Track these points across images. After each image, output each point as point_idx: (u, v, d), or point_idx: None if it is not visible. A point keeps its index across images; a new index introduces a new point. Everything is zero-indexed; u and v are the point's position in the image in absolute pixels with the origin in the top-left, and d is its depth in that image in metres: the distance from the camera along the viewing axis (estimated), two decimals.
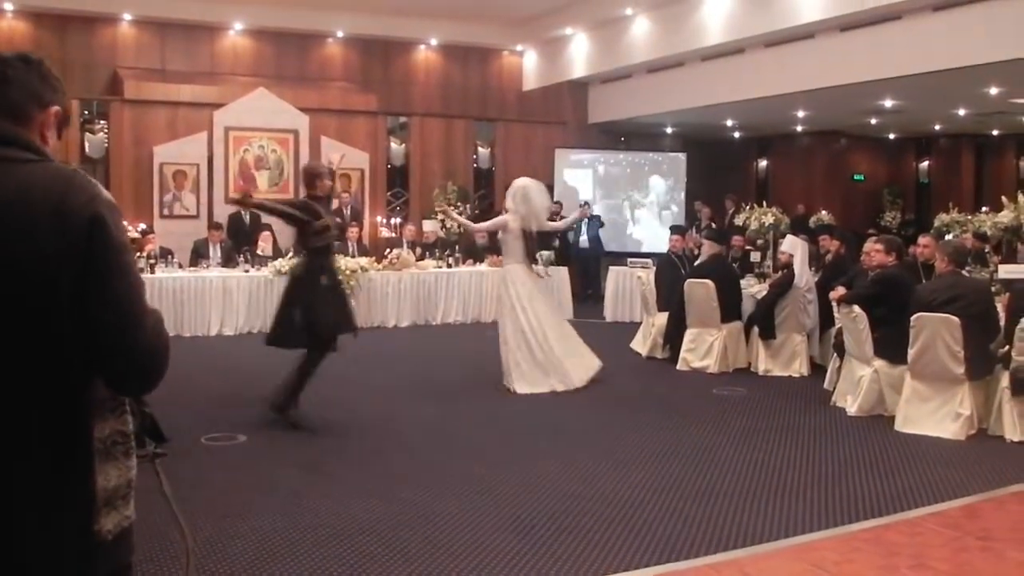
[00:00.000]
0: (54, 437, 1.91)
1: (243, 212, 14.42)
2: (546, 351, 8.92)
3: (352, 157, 15.81)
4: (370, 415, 7.86)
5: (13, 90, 2.02)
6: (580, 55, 17.30)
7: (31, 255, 1.86)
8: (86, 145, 15.05)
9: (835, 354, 8.88)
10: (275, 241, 13.76)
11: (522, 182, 9.38)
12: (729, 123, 19.33)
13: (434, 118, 18.08)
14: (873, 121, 18.67)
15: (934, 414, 7.35)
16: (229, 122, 15.20)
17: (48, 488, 1.91)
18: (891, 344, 7.72)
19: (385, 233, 15.66)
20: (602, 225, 17.63)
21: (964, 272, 8.13)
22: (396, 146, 17.82)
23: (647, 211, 18.96)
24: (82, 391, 1.95)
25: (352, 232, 14.08)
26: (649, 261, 13.56)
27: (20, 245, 1.86)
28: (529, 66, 18.86)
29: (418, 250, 14.35)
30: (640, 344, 11.33)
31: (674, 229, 12.59)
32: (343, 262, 12.60)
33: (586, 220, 17.19)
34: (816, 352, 10.13)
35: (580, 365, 9.16)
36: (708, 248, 10.72)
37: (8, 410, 1.88)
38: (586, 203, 16.15)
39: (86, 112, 15.22)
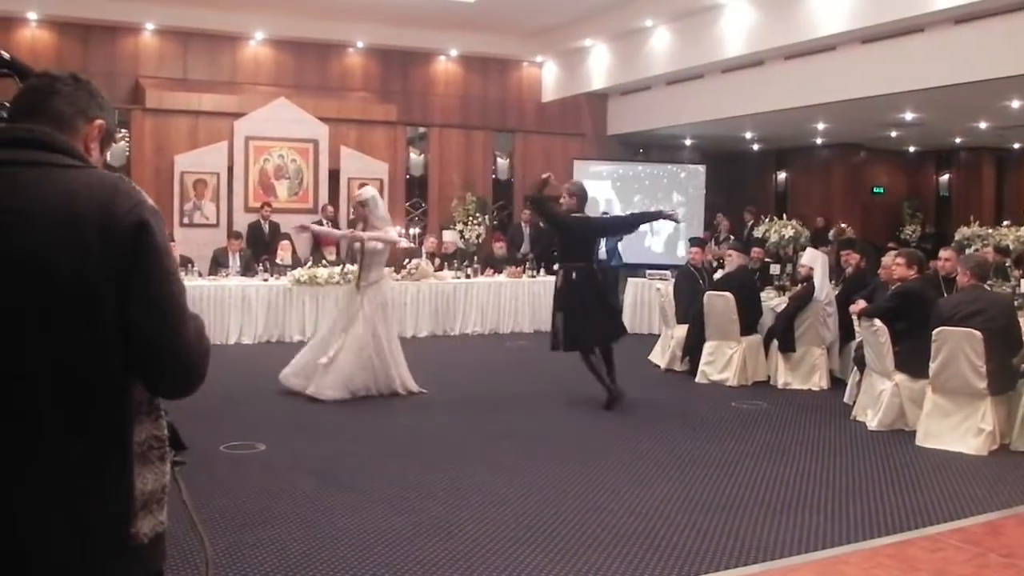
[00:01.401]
0: (96, 440, 1.93)
1: (263, 222, 14.48)
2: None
3: (370, 167, 15.85)
4: (389, 425, 7.85)
5: (61, 102, 2.09)
6: (599, 67, 17.30)
7: (79, 258, 1.89)
8: (107, 154, 15.06)
9: (855, 368, 8.83)
10: (294, 250, 13.80)
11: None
12: (748, 135, 19.31)
13: (453, 129, 18.11)
14: (893, 134, 18.61)
15: (956, 429, 7.29)
16: (249, 131, 15.26)
17: (88, 491, 1.92)
18: (912, 358, 7.67)
19: (404, 243, 15.67)
20: (620, 238, 17.59)
21: (986, 286, 8.08)
22: (415, 156, 17.86)
23: (665, 223, 18.87)
24: (124, 394, 1.97)
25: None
26: (668, 273, 13.53)
27: (69, 248, 1.89)
28: (548, 77, 18.88)
29: (437, 260, 14.36)
30: (659, 356, 11.29)
31: (693, 241, 12.55)
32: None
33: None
34: (836, 366, 10.07)
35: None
36: (736, 259, 10.70)
37: (52, 412, 1.90)
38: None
39: (114, 121, 15.22)
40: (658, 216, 9.31)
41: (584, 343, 8.58)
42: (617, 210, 18.34)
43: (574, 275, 8.58)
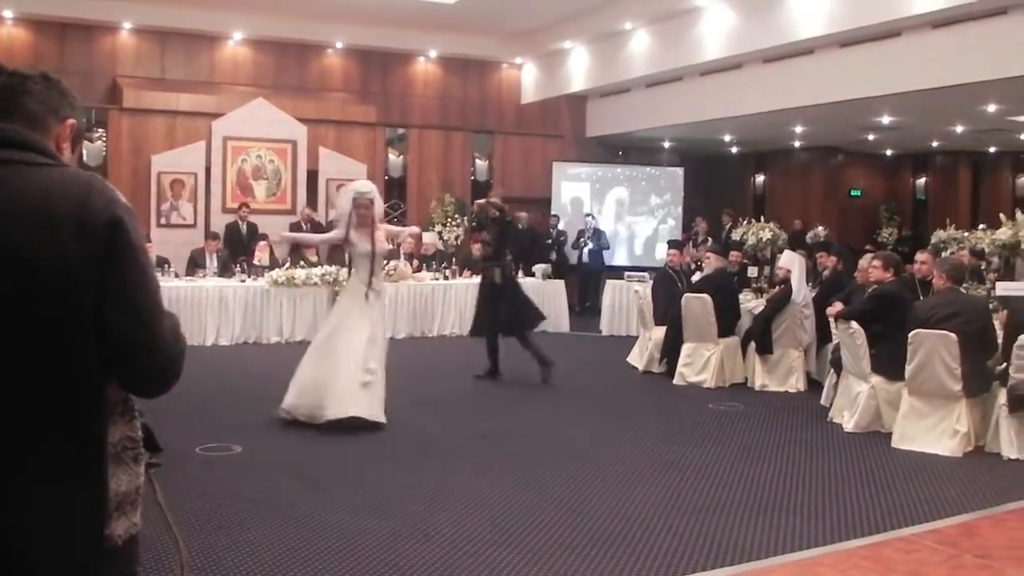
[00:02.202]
0: (71, 440, 1.92)
1: (240, 222, 14.43)
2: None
3: (349, 168, 15.82)
4: (367, 426, 7.80)
5: (33, 101, 2.08)
6: (579, 69, 17.33)
7: (58, 256, 1.88)
8: (84, 153, 14.96)
9: (832, 370, 8.86)
10: (272, 251, 13.76)
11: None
12: (727, 138, 19.37)
13: (432, 130, 18.11)
14: (871, 137, 18.73)
15: (931, 431, 7.34)
16: (227, 132, 15.21)
17: (63, 491, 1.92)
18: (889, 360, 7.72)
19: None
20: (607, 247, 17.65)
21: (962, 289, 8.14)
22: (394, 158, 17.83)
23: (644, 225, 18.98)
24: (99, 393, 1.96)
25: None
26: (646, 275, 13.57)
27: (48, 247, 1.88)
28: (528, 79, 18.89)
29: (415, 262, 14.34)
30: (636, 358, 11.32)
31: (672, 244, 12.61)
32: (340, 273, 12.63)
33: (590, 233, 17.28)
34: (813, 368, 10.12)
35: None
36: (715, 262, 10.73)
37: (29, 412, 1.89)
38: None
39: (84, 120, 15.15)
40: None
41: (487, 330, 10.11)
42: (596, 212, 18.41)
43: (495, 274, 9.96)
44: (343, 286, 8.23)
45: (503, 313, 9.95)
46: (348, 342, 7.70)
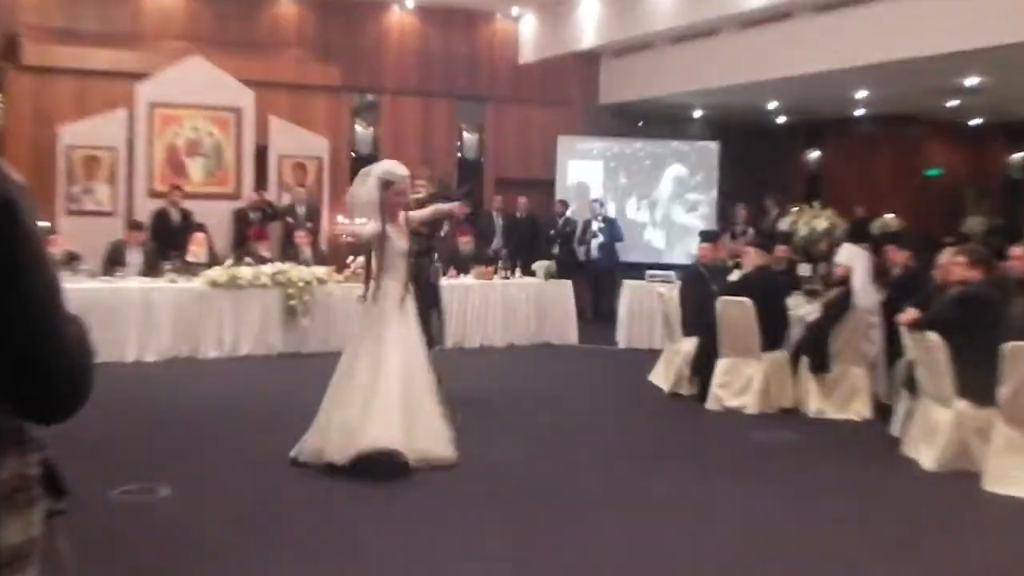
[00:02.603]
0: None
1: (171, 209, 14.37)
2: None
3: (307, 143, 15.77)
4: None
5: None
6: (589, 21, 17.30)
7: None
8: None
9: (905, 392, 8.82)
10: (211, 246, 13.70)
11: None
12: (772, 105, 19.31)
13: (409, 96, 18.11)
14: (953, 103, 18.65)
15: None
16: (155, 97, 15.15)
17: None
18: (977, 380, 7.65)
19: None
20: (621, 239, 17.60)
21: None
22: (362, 129, 17.84)
23: (670, 213, 18.95)
24: None
25: (301, 236, 14.13)
26: (672, 274, 13.55)
27: None
28: (527, 34, 18.87)
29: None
30: (661, 377, 11.28)
31: (704, 235, 12.59)
32: (294, 272, 12.58)
33: (599, 224, 17.24)
34: (881, 389, 10.06)
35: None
36: (754, 257, 10.66)
37: None
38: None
39: None
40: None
41: None
42: (608, 197, 18.38)
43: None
44: (375, 297, 7.92)
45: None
46: (407, 361, 7.73)
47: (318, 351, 11.75)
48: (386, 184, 7.89)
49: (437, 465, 7.39)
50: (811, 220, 13.20)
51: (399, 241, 7.89)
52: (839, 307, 9.87)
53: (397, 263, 7.92)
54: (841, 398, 9.90)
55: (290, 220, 15.00)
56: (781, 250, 12.38)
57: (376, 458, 7.16)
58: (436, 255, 10.17)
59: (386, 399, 7.42)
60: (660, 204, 18.97)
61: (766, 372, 10.06)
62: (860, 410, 9.83)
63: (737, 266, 11.75)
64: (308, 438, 7.54)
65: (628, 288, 14.63)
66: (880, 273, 11.12)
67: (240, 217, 14.88)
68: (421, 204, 9.38)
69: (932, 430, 8.05)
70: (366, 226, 7.87)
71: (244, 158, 15.67)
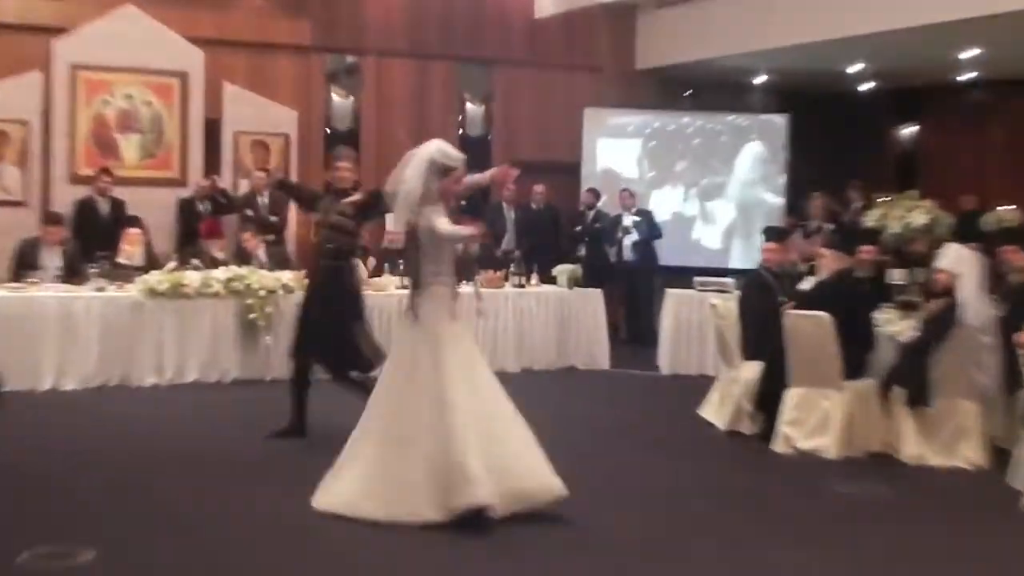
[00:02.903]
0: None
1: (98, 198, 14.33)
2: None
3: (270, 115, 15.74)
4: (287, 503, 7.64)
5: None
6: None
7: None
8: None
9: None
10: (149, 244, 13.64)
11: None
12: (854, 68, 19.26)
13: (399, 58, 18.22)
14: None
15: None
16: (78, 57, 15.21)
17: None
18: None
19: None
20: (659, 236, 17.49)
21: None
22: (340, 100, 17.93)
23: (726, 204, 18.91)
24: None
25: (248, 239, 14.05)
26: (729, 282, 13.51)
27: None
28: None
29: (372, 261, 14.16)
30: (715, 411, 11.28)
31: (769, 233, 12.59)
32: (253, 278, 12.46)
33: (631, 219, 17.12)
34: (999, 429, 9.97)
35: None
36: (835, 261, 10.61)
37: None
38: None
39: None
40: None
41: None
42: (646, 184, 18.31)
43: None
44: (423, 307, 7.87)
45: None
46: (489, 386, 7.90)
47: (282, 377, 11.59)
48: (444, 170, 8.00)
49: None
50: (905, 214, 13.11)
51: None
52: (942, 324, 9.79)
53: (444, 257, 8.04)
54: (946, 440, 9.81)
55: (249, 213, 14.88)
56: (866, 251, 12.28)
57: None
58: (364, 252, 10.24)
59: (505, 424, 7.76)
60: (714, 193, 18.90)
61: (849, 406, 9.99)
62: (970, 456, 9.72)
63: (811, 271, 11.70)
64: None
65: (672, 299, 14.61)
66: (995, 281, 11.03)
67: (186, 208, 14.85)
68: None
69: None
70: (440, 222, 7.90)
71: (191, 134, 15.77)
